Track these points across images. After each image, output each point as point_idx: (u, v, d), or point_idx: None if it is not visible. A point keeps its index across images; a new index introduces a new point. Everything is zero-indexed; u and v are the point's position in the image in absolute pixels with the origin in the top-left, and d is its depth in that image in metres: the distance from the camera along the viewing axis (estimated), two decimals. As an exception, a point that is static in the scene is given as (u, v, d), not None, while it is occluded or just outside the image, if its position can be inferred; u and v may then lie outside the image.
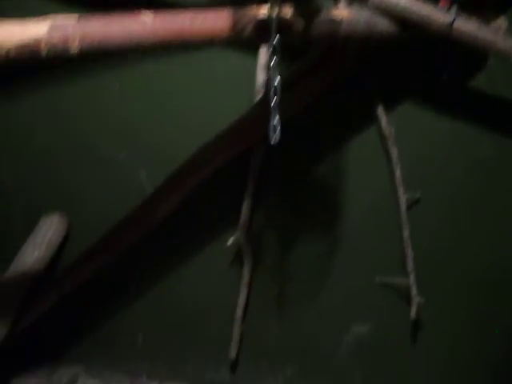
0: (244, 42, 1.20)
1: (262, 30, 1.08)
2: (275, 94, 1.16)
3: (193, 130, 1.57)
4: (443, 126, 1.48)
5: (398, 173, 1.51)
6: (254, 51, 1.48)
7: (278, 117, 1.17)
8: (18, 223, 1.78)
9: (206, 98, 1.57)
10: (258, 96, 1.48)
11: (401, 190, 1.51)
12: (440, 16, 1.15)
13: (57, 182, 1.74)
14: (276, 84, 1.15)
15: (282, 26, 1.06)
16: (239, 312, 1.66)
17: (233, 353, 1.70)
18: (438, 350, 1.62)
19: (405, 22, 1.17)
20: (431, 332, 1.61)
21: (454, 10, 1.16)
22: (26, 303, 1.68)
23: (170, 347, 1.81)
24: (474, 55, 1.36)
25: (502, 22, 1.27)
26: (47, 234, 1.70)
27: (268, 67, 1.17)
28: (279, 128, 1.17)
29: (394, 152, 1.50)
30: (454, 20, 1.15)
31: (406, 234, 1.53)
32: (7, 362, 1.73)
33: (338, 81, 1.40)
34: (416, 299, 1.55)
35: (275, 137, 1.17)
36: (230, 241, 1.59)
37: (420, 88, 1.49)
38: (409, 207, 1.52)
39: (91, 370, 1.86)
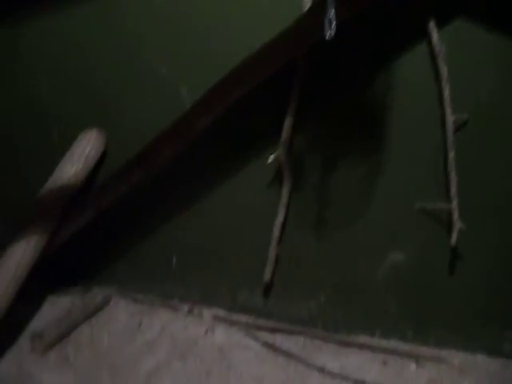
0: None
1: None
2: (332, -14, 1.12)
3: (237, 46, 1.52)
4: (497, 45, 1.42)
5: (446, 92, 1.46)
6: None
7: (333, 10, 1.13)
8: (57, 138, 1.77)
9: (251, 9, 1.53)
10: (306, 7, 1.44)
11: (448, 111, 1.47)
12: None
13: (96, 98, 1.72)
14: (334, -26, 1.11)
15: None
16: (276, 233, 1.64)
17: (267, 275, 1.69)
18: (476, 279, 1.59)
19: None
20: (470, 260, 1.58)
21: None
22: (63, 218, 1.69)
23: (203, 270, 1.81)
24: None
25: None
26: (85, 149, 1.69)
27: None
28: (335, 23, 1.13)
29: (444, 70, 1.44)
30: None
31: (451, 156, 1.49)
32: (43, 280, 1.75)
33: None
34: (458, 224, 1.51)
35: (330, 32, 1.14)
36: (271, 158, 1.55)
37: (475, 4, 1.42)
38: (456, 129, 1.48)
39: (124, 291, 1.88)
